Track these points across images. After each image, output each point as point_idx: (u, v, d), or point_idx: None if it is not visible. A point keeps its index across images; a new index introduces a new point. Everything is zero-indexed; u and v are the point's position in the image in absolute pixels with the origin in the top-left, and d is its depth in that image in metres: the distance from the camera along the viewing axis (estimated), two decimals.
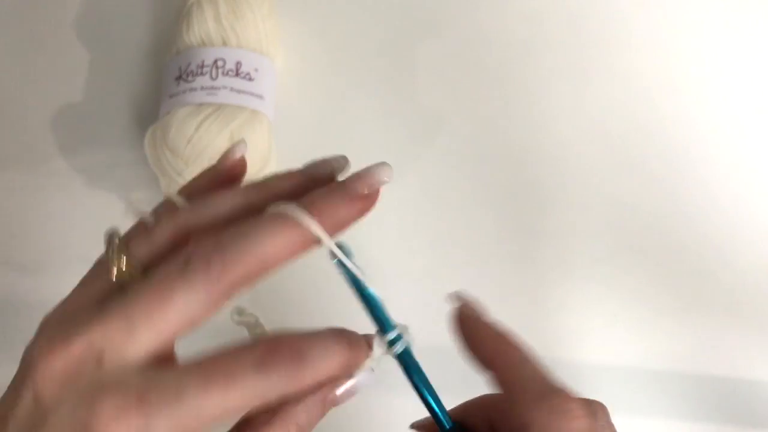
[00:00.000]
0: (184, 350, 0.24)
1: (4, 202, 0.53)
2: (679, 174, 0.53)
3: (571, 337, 0.49)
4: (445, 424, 0.28)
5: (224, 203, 0.26)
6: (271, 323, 0.40)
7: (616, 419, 0.26)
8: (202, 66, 0.49)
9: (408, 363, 0.27)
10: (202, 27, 0.50)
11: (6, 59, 0.56)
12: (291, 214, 0.24)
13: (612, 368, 0.49)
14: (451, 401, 0.29)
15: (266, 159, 0.49)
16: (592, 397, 0.26)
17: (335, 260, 0.26)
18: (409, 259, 0.51)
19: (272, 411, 0.25)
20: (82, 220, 0.52)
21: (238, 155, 0.30)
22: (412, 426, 0.31)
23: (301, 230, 0.24)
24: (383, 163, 0.26)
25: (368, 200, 0.25)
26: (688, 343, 0.50)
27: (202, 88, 0.49)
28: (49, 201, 0.53)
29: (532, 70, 0.56)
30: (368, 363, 0.26)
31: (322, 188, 0.26)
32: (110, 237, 0.26)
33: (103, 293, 0.25)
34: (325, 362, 0.24)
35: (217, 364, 0.23)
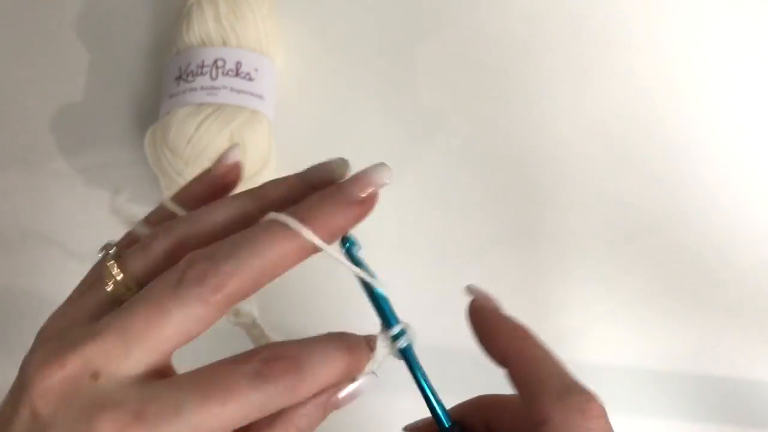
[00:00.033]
0: (183, 352, 0.24)
1: (4, 202, 0.53)
2: (679, 174, 0.53)
3: (571, 337, 0.49)
4: (445, 423, 0.28)
5: (219, 213, 0.26)
6: (270, 323, 0.40)
7: (616, 419, 0.26)
8: (202, 66, 0.49)
9: (411, 359, 0.27)
10: (202, 27, 0.50)
11: (6, 59, 0.56)
12: (285, 224, 0.24)
13: (612, 368, 0.49)
14: (449, 401, 0.29)
15: (266, 159, 0.49)
16: None
17: (344, 249, 0.26)
18: (409, 259, 0.51)
19: (273, 414, 0.25)
20: (82, 220, 0.52)
21: (231, 160, 0.29)
22: (406, 429, 0.30)
23: (297, 239, 0.24)
24: (381, 165, 0.25)
25: (366, 204, 0.25)
26: (688, 343, 0.50)
27: (202, 88, 0.49)
28: (49, 201, 0.53)
29: (532, 70, 0.56)
30: (371, 365, 0.26)
31: (318, 194, 0.25)
32: (105, 249, 0.26)
33: (99, 307, 0.25)
34: (324, 370, 0.24)
35: (215, 378, 0.23)
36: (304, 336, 0.25)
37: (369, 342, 0.26)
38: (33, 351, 0.24)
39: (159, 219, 0.28)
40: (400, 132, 0.54)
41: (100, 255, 0.27)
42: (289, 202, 0.26)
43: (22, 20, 0.57)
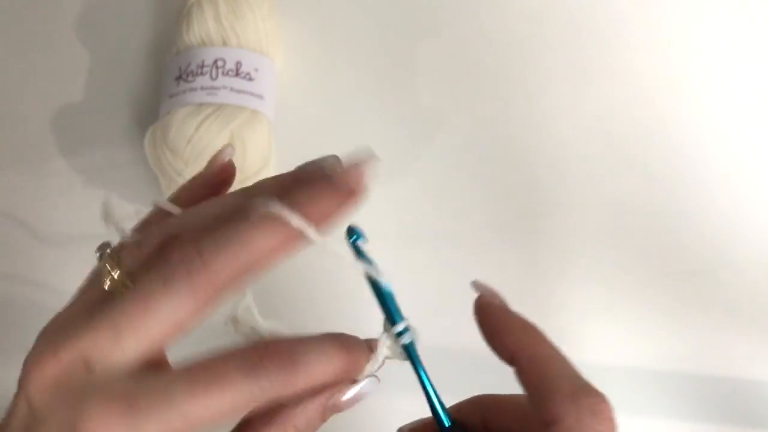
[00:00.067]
0: (181, 352, 0.24)
1: (4, 202, 0.53)
2: (679, 174, 0.53)
3: (571, 337, 0.49)
4: (445, 422, 0.28)
5: (211, 209, 0.26)
6: (269, 327, 0.40)
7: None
8: (202, 66, 0.49)
9: (414, 357, 0.27)
10: (202, 27, 0.50)
11: (6, 59, 0.56)
12: (273, 211, 0.24)
13: (612, 368, 0.49)
14: (447, 401, 0.29)
15: (266, 159, 0.49)
16: None
17: (351, 240, 0.26)
18: (409, 258, 0.51)
19: (272, 411, 0.25)
20: (82, 220, 0.52)
21: (226, 158, 0.30)
22: (400, 430, 0.30)
23: (284, 226, 0.24)
24: (368, 154, 0.25)
25: (354, 192, 0.25)
26: (687, 343, 0.50)
27: (202, 88, 0.49)
28: (49, 201, 0.53)
29: (532, 70, 0.56)
30: (372, 365, 0.26)
31: (305, 183, 0.25)
32: (101, 249, 0.27)
33: (96, 304, 0.25)
34: (320, 366, 0.24)
35: (207, 369, 0.23)
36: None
37: (369, 344, 0.26)
38: (33, 346, 0.25)
39: (156, 220, 0.28)
40: (400, 132, 0.54)
41: (97, 255, 0.27)
42: (280, 197, 0.25)
43: (22, 20, 0.57)
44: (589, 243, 0.52)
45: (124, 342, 0.23)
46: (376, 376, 0.26)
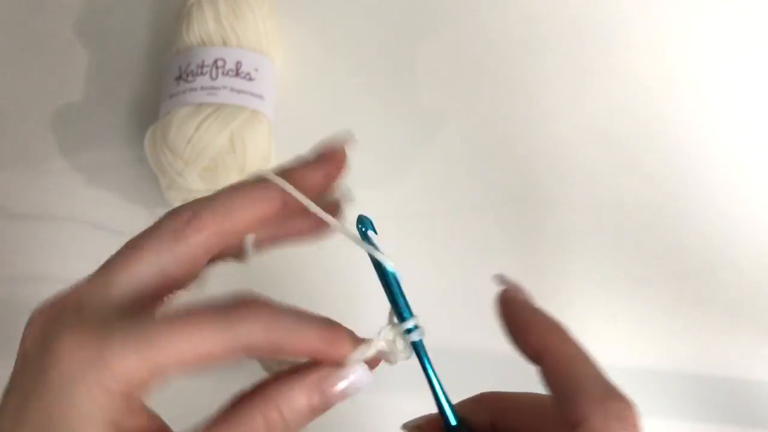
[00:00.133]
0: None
1: (4, 202, 0.53)
2: (679, 174, 0.53)
3: None
4: (452, 420, 0.27)
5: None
6: None
7: None
8: (202, 66, 0.49)
9: (422, 353, 0.27)
10: (202, 27, 0.50)
11: (6, 59, 0.56)
12: (261, 174, 0.26)
13: (612, 368, 0.49)
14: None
15: (266, 159, 0.49)
16: None
17: (359, 228, 0.27)
18: (409, 258, 0.51)
19: (258, 389, 0.25)
20: (82, 220, 0.52)
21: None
22: (404, 426, 0.30)
23: (269, 188, 0.26)
24: (345, 132, 0.28)
25: (334, 159, 0.27)
26: (687, 343, 0.50)
27: (202, 88, 0.49)
28: (49, 201, 0.53)
29: (532, 70, 0.56)
30: (359, 353, 0.25)
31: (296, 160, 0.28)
32: None
33: None
34: (300, 332, 0.24)
35: (185, 312, 0.24)
36: None
37: (351, 336, 0.26)
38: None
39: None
40: (400, 132, 0.54)
41: None
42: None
43: (22, 20, 0.57)
44: (589, 243, 0.52)
45: (114, 284, 0.24)
46: (366, 368, 0.25)
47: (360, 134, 0.54)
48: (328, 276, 0.48)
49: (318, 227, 0.28)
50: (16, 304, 0.51)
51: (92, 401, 0.22)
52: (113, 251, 0.27)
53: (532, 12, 0.57)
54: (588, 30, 0.56)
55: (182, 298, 0.26)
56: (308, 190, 0.27)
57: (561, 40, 0.56)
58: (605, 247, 0.52)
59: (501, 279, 0.29)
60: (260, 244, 0.29)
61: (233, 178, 0.48)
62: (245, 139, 0.48)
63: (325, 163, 0.27)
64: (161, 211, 0.26)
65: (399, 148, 0.54)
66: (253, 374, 0.26)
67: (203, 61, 0.49)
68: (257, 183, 0.27)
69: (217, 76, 0.49)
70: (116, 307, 0.24)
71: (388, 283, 0.27)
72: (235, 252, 0.28)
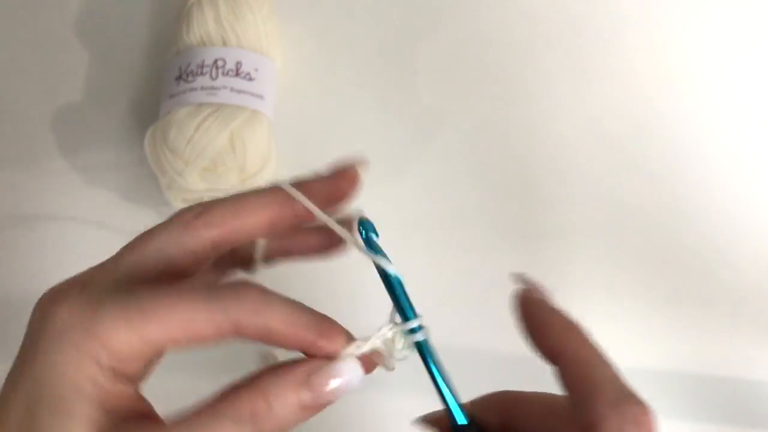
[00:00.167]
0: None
1: (4, 202, 0.53)
2: (679, 174, 0.53)
3: None
4: (458, 420, 0.27)
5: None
6: None
7: None
8: (202, 66, 0.49)
9: (427, 354, 0.26)
10: (202, 27, 0.50)
11: (6, 59, 0.56)
12: (276, 184, 0.27)
13: None
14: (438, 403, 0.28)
15: (266, 159, 0.49)
16: None
17: (361, 231, 0.27)
18: (409, 258, 0.51)
19: (248, 382, 0.25)
20: (82, 220, 0.52)
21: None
22: (420, 419, 0.29)
23: (280, 193, 0.26)
24: (360, 155, 0.28)
25: (346, 176, 0.28)
26: (687, 343, 0.50)
27: (202, 88, 0.49)
28: (49, 201, 0.53)
29: (532, 70, 0.56)
30: (353, 348, 0.25)
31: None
32: None
33: None
34: (292, 314, 0.24)
35: (180, 288, 0.24)
36: None
37: (350, 335, 0.26)
38: None
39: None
40: (400, 132, 0.54)
41: None
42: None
43: (22, 20, 0.57)
44: (589, 243, 0.52)
45: (119, 265, 0.25)
46: (359, 366, 0.25)
47: (360, 134, 0.54)
48: (331, 275, 0.48)
49: (329, 244, 0.29)
50: (16, 303, 0.51)
51: (79, 369, 0.23)
52: (113, 251, 0.27)
53: (532, 12, 0.57)
54: (588, 30, 0.56)
55: None
56: (319, 202, 0.27)
57: (561, 40, 0.56)
58: (605, 247, 0.52)
59: (520, 277, 0.29)
60: (271, 257, 0.29)
61: (233, 178, 0.48)
62: (245, 139, 0.48)
63: (338, 178, 0.28)
64: (161, 211, 0.26)
65: (399, 148, 0.54)
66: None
67: (203, 61, 0.49)
68: (269, 188, 0.27)
69: (217, 76, 0.49)
70: (117, 284, 0.24)
71: (392, 286, 0.26)
72: (245, 261, 0.29)
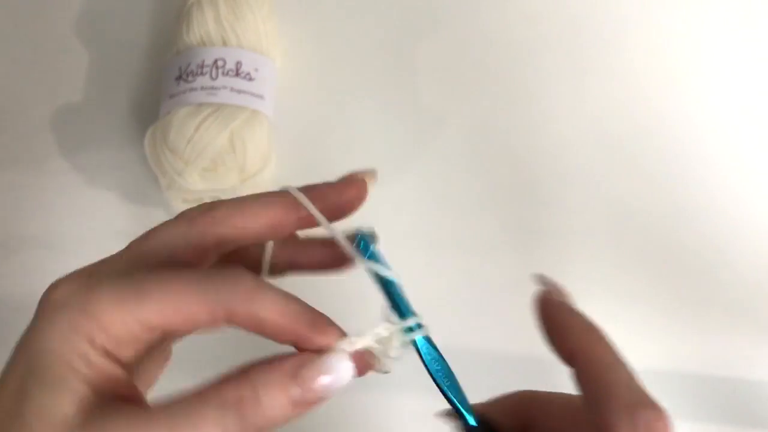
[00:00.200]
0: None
1: (4, 202, 0.53)
2: (679, 174, 0.53)
3: None
4: (469, 420, 0.26)
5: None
6: None
7: None
8: (202, 66, 0.49)
9: (427, 353, 0.26)
10: (202, 27, 0.50)
11: (6, 59, 0.56)
12: (283, 188, 0.27)
13: None
14: (444, 403, 0.28)
15: (266, 159, 0.49)
16: None
17: (358, 242, 0.27)
18: (409, 258, 0.51)
19: (238, 369, 0.24)
20: (82, 220, 0.52)
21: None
22: (442, 412, 0.29)
23: (285, 196, 0.27)
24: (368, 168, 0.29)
25: (354, 187, 0.28)
26: (687, 342, 0.50)
27: (202, 88, 0.49)
28: (49, 201, 0.53)
29: (532, 70, 0.56)
30: (345, 343, 0.24)
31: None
32: None
33: None
34: (285, 303, 0.24)
35: (174, 270, 0.25)
36: None
37: (343, 331, 0.25)
38: None
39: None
40: (400, 132, 0.54)
41: None
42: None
43: (22, 20, 0.57)
44: (589, 243, 0.52)
45: (125, 257, 0.26)
46: (351, 362, 0.24)
47: (360, 134, 0.54)
48: (332, 281, 0.48)
49: (335, 258, 0.28)
50: (16, 303, 0.51)
51: (71, 345, 0.23)
52: (113, 251, 0.27)
53: (532, 12, 0.57)
54: (588, 30, 0.56)
55: None
56: (325, 209, 0.27)
57: (561, 40, 0.56)
58: (605, 247, 0.52)
59: (541, 279, 0.29)
60: (277, 269, 0.29)
61: (233, 178, 0.48)
62: (245, 139, 0.48)
63: (345, 186, 0.28)
64: (161, 211, 0.26)
65: (399, 148, 0.54)
66: None
67: (203, 61, 0.49)
68: (276, 192, 0.28)
69: (217, 76, 0.49)
70: (118, 272, 0.25)
71: (388, 289, 0.26)
72: (253, 267, 0.28)
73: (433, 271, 0.51)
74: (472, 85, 0.55)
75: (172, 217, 0.27)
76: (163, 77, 0.51)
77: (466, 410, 0.27)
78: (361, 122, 0.54)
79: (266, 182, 0.49)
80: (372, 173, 0.29)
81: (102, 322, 0.23)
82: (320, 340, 0.24)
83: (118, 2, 0.57)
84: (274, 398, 0.23)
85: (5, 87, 0.56)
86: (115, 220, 0.51)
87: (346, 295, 0.46)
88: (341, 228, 0.28)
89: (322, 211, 0.27)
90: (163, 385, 0.28)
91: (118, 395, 0.24)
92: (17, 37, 0.57)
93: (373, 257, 0.27)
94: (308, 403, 0.24)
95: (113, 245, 0.27)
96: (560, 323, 0.27)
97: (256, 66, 0.50)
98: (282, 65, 0.54)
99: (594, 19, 0.57)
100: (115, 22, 0.57)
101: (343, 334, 0.25)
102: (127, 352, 0.24)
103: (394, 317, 0.26)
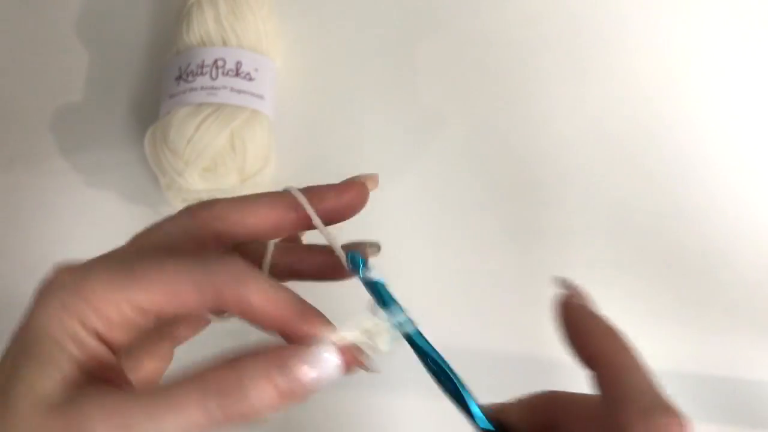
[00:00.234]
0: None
1: (5, 202, 0.53)
2: (679, 174, 0.53)
3: None
4: (480, 423, 0.26)
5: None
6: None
7: None
8: (202, 66, 0.49)
9: (421, 347, 0.26)
10: (202, 27, 0.50)
11: (6, 59, 0.56)
12: (284, 189, 0.28)
13: None
14: (444, 404, 0.27)
15: (266, 159, 0.49)
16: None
17: (348, 261, 0.27)
18: (409, 258, 0.51)
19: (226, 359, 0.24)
20: (82, 220, 0.52)
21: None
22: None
23: (284, 195, 0.27)
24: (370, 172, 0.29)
25: (354, 190, 0.28)
26: (687, 343, 0.50)
27: (202, 88, 0.49)
28: (49, 201, 0.53)
29: (532, 70, 0.56)
30: (332, 333, 0.24)
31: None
32: None
33: None
34: (275, 292, 0.24)
35: (169, 254, 0.25)
36: None
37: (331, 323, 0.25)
38: None
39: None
40: (400, 132, 0.54)
41: None
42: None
43: (22, 20, 0.57)
44: (589, 243, 0.52)
45: (124, 248, 0.26)
46: (338, 355, 0.24)
47: (360, 134, 0.54)
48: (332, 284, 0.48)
49: (334, 266, 0.29)
50: (16, 303, 0.51)
51: (62, 324, 0.23)
52: None
53: (532, 12, 0.57)
54: (588, 30, 0.56)
55: None
56: (324, 211, 0.28)
57: (561, 40, 0.56)
58: (605, 248, 0.52)
59: (563, 282, 0.29)
60: (277, 276, 0.29)
61: (233, 178, 0.48)
62: (245, 139, 0.48)
63: (346, 189, 0.28)
64: (161, 211, 0.26)
65: (399, 147, 0.54)
66: None
67: (203, 61, 0.49)
68: (277, 192, 0.28)
69: (217, 76, 0.49)
70: (117, 258, 0.25)
71: (381, 294, 0.26)
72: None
73: (433, 271, 0.51)
74: (471, 85, 0.55)
75: None
76: (163, 77, 0.51)
77: (468, 398, 0.26)
78: (361, 122, 0.54)
79: (266, 182, 0.49)
80: (374, 178, 0.29)
81: (94, 303, 0.23)
82: (308, 329, 0.24)
83: (118, 2, 0.57)
84: (258, 387, 0.23)
85: (5, 87, 0.56)
86: (115, 220, 0.51)
87: (343, 295, 0.46)
88: (338, 232, 0.28)
89: (320, 212, 0.27)
90: None
91: (105, 378, 0.24)
92: (17, 37, 0.57)
93: (365, 276, 0.27)
94: (294, 393, 0.23)
95: (113, 245, 0.27)
96: (581, 327, 0.27)
97: (256, 66, 0.50)
98: (282, 65, 0.54)
99: (594, 19, 0.57)
100: (115, 22, 0.57)
101: (331, 326, 0.25)
102: (119, 335, 0.24)
103: (383, 313, 0.26)
